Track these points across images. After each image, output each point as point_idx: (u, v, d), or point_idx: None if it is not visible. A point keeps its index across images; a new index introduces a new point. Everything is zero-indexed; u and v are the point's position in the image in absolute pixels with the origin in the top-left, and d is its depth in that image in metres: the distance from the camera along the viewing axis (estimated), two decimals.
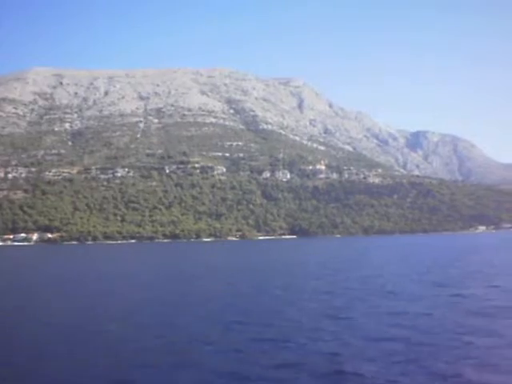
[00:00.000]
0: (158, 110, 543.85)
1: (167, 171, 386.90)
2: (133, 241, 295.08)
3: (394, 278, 62.39)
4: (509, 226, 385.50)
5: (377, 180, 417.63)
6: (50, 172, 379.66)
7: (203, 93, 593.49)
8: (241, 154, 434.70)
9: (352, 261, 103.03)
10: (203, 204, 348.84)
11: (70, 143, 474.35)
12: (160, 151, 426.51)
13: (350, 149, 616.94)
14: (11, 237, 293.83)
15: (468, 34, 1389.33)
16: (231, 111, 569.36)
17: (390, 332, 31.22)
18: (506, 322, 33.12)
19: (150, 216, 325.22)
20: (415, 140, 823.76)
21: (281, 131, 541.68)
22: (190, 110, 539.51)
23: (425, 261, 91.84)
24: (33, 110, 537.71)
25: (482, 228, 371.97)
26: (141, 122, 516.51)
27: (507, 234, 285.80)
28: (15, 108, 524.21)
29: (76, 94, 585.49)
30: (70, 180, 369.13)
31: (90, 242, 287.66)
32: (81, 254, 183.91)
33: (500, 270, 67.23)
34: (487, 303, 40.74)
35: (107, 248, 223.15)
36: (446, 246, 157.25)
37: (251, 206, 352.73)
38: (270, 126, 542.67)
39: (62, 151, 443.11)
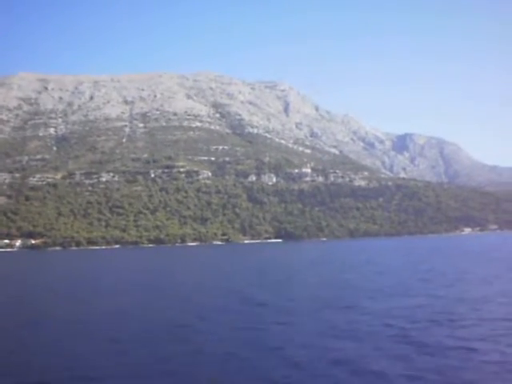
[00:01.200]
0: (144, 115, 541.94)
1: (152, 176, 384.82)
2: (117, 246, 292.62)
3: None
4: (494, 227, 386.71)
5: (363, 183, 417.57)
6: (34, 177, 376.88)
7: (189, 97, 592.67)
8: (227, 158, 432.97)
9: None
10: (188, 208, 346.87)
11: (54, 148, 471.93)
12: (145, 156, 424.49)
13: (337, 152, 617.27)
14: None
15: (454, 37, 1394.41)
16: (217, 115, 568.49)
17: None
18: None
19: (135, 221, 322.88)
20: (402, 143, 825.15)
21: (267, 135, 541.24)
22: (175, 114, 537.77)
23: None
24: (17, 115, 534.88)
25: (467, 230, 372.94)
26: (126, 126, 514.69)
27: (491, 237, 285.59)
28: None
29: (61, 98, 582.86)
30: (54, 185, 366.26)
31: (73, 248, 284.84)
32: (59, 260, 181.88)
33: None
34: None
35: (89, 254, 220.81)
36: (411, 250, 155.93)
37: (237, 210, 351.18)
38: (256, 130, 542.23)
39: (47, 156, 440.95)
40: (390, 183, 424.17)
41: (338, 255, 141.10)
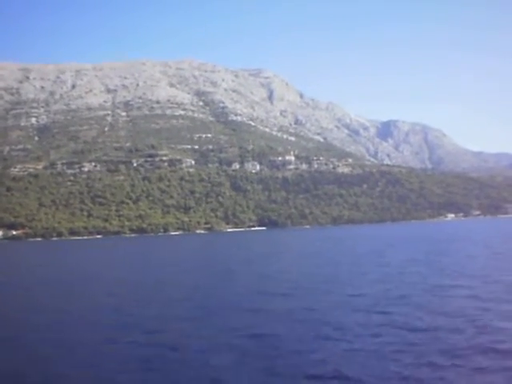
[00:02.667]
0: (126, 103, 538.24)
1: (135, 165, 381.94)
2: (99, 236, 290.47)
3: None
4: (478, 213, 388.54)
5: (346, 170, 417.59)
6: (15, 168, 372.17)
7: (172, 85, 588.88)
8: (210, 146, 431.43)
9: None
10: (171, 197, 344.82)
11: (36, 138, 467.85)
12: (128, 144, 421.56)
13: (321, 139, 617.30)
14: None
15: (438, 21, 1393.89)
16: (200, 103, 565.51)
17: None
18: None
19: (117, 211, 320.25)
20: (386, 129, 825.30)
21: (250, 122, 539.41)
22: (158, 102, 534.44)
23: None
24: None
25: (451, 216, 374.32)
26: (108, 115, 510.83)
27: (473, 223, 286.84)
28: None
29: (43, 88, 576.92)
30: (36, 175, 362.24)
31: (55, 238, 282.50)
32: (38, 251, 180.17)
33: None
34: None
35: (69, 244, 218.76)
36: (379, 238, 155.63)
37: (220, 199, 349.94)
38: (239, 118, 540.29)
39: (29, 146, 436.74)
40: (373, 170, 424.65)
41: (297, 244, 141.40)
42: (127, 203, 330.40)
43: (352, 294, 40.33)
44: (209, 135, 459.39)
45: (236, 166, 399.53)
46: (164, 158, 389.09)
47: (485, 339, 24.95)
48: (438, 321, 29.60)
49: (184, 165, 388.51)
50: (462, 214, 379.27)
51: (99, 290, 52.22)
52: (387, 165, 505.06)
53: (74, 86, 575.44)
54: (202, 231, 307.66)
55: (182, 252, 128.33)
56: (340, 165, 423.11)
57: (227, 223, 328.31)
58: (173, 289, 50.70)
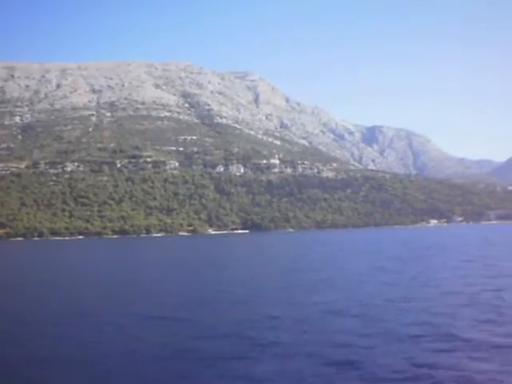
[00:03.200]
0: (111, 104, 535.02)
1: (118, 165, 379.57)
2: (80, 237, 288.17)
3: None
4: (460, 219, 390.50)
5: (331, 174, 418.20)
6: None
7: (157, 86, 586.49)
8: (195, 149, 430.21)
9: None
10: (154, 199, 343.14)
11: (19, 137, 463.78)
12: (112, 145, 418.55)
13: (306, 143, 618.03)
14: None
15: (426, 26, 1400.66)
16: (186, 105, 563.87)
17: None
18: None
19: (99, 211, 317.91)
20: (371, 135, 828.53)
21: (236, 125, 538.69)
22: (143, 103, 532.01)
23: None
24: None
25: (433, 222, 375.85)
26: (93, 115, 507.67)
27: (455, 229, 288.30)
28: None
29: (27, 86, 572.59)
30: (18, 175, 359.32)
31: (36, 238, 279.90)
32: (15, 251, 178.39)
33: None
34: None
35: (48, 245, 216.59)
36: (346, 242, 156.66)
37: (203, 201, 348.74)
38: (225, 120, 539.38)
39: (12, 145, 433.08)
40: (358, 175, 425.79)
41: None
42: (110, 204, 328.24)
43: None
44: (194, 137, 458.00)
45: (220, 168, 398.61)
46: (148, 160, 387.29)
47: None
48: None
49: (168, 166, 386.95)
50: (444, 220, 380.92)
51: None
52: (371, 170, 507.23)
53: (58, 86, 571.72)
54: (185, 233, 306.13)
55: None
56: (324, 169, 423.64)
57: (210, 226, 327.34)
58: None
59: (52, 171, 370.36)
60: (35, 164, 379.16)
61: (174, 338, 29.14)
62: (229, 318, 34.30)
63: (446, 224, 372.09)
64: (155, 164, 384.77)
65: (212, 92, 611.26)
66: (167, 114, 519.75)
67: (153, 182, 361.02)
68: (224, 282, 54.70)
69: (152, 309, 39.27)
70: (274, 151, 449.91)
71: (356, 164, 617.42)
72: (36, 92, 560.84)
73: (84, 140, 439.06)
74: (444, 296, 40.67)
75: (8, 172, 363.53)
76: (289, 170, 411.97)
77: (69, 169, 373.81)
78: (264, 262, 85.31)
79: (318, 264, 74.88)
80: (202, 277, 62.01)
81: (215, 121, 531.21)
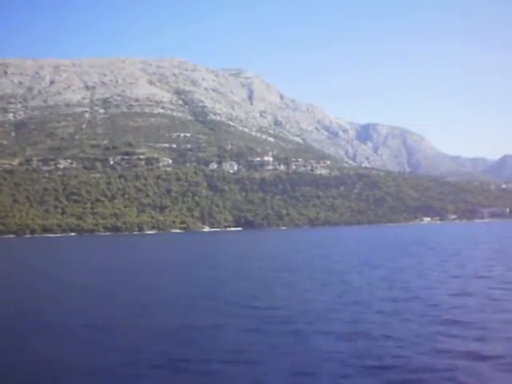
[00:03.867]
0: (105, 100, 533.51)
1: (111, 162, 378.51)
2: (72, 234, 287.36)
3: None
4: (454, 217, 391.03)
5: (324, 172, 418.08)
6: None
7: (151, 83, 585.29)
8: (188, 146, 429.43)
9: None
10: (147, 196, 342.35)
11: (13, 134, 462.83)
12: (105, 142, 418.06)
13: (300, 141, 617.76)
14: None
15: (420, 24, 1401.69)
16: (180, 102, 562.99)
17: None
18: None
19: (92, 208, 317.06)
20: (365, 132, 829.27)
21: (230, 122, 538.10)
22: (137, 100, 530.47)
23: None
24: None
25: (426, 219, 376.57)
26: (86, 112, 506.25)
27: (447, 227, 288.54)
28: None
29: (21, 83, 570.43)
30: (11, 172, 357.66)
31: (28, 236, 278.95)
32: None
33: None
34: None
35: (37, 242, 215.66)
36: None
37: (196, 198, 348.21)
38: (218, 117, 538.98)
39: (4, 142, 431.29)
40: (351, 172, 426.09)
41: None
42: (102, 201, 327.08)
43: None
44: (187, 134, 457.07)
45: (214, 165, 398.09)
46: (141, 157, 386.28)
47: None
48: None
49: (161, 163, 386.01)
50: (437, 218, 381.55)
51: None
52: (365, 167, 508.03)
53: (52, 82, 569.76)
54: (178, 231, 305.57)
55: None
56: (318, 166, 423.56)
57: (203, 223, 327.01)
58: None
59: (45, 168, 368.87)
60: (28, 161, 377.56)
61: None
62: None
63: (439, 222, 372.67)
64: (148, 161, 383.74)
65: (206, 89, 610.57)
66: (161, 110, 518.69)
67: (146, 179, 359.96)
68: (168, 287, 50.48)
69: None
70: (268, 148, 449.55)
71: (350, 162, 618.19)
72: (29, 88, 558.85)
73: (77, 137, 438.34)
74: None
75: (0, 169, 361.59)
76: (282, 168, 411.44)
77: (61, 166, 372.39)
78: (234, 261, 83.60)
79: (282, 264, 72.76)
80: (144, 281, 55.82)
81: (209, 118, 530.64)
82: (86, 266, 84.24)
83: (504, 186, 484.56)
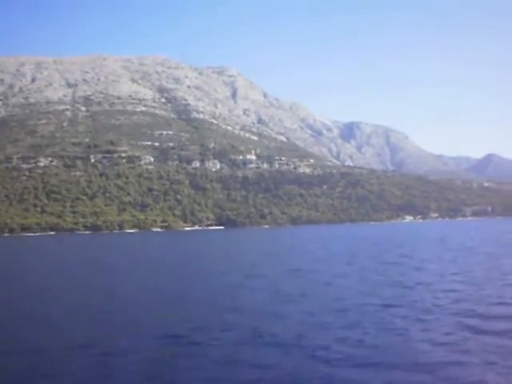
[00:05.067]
0: (87, 98, 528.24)
1: (92, 160, 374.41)
2: (52, 233, 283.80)
3: None
4: (436, 215, 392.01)
5: (307, 170, 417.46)
6: None
7: (134, 81, 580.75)
8: (171, 144, 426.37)
9: None
10: (128, 194, 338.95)
11: None
12: (86, 140, 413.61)
13: (284, 139, 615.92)
14: None
15: (404, 21, 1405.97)
16: (162, 100, 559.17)
17: None
18: None
19: (72, 207, 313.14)
20: (349, 131, 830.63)
21: (213, 120, 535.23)
22: (119, 98, 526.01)
23: None
24: None
25: (409, 218, 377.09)
26: (68, 110, 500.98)
27: (427, 225, 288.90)
28: None
29: (2, 80, 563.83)
30: None
31: (6, 235, 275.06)
32: None
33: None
34: None
35: (15, 241, 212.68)
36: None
37: (178, 197, 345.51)
38: (202, 115, 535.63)
39: None
40: (334, 171, 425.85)
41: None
42: (82, 199, 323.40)
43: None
44: (170, 132, 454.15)
45: (196, 164, 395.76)
46: (123, 155, 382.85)
47: None
48: None
49: (143, 162, 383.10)
50: (420, 217, 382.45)
51: None
52: (348, 166, 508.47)
53: (33, 80, 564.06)
54: (159, 229, 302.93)
55: None
56: (301, 165, 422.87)
57: (185, 222, 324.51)
58: None
59: (25, 166, 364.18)
60: (8, 159, 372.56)
61: None
62: None
63: (421, 220, 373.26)
64: (130, 159, 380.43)
65: (189, 87, 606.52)
66: (143, 108, 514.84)
67: (127, 178, 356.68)
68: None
69: None
70: (251, 147, 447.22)
71: (333, 160, 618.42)
72: (10, 86, 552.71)
73: (58, 135, 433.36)
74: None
75: None
76: (265, 166, 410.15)
77: (42, 164, 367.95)
78: (187, 263, 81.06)
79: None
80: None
81: (192, 116, 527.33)
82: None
83: (486, 184, 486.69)
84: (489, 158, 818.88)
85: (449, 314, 30.65)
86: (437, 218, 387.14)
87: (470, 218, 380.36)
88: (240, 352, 23.87)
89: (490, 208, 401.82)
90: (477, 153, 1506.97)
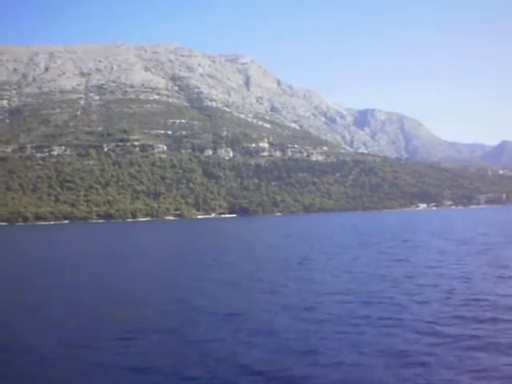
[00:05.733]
0: (100, 87, 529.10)
1: (105, 149, 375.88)
2: (66, 221, 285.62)
3: None
4: (450, 203, 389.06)
5: (320, 158, 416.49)
6: None
7: (147, 69, 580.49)
8: (183, 132, 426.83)
9: None
10: (141, 183, 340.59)
11: (7, 121, 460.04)
12: (100, 129, 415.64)
13: (297, 127, 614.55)
14: None
15: (416, 10, 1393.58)
16: (175, 88, 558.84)
17: None
18: None
19: (85, 195, 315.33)
20: (363, 118, 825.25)
21: (226, 108, 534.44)
22: (132, 86, 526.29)
23: None
24: None
25: (422, 206, 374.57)
26: (81, 98, 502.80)
27: (440, 213, 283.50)
28: None
29: (15, 70, 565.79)
30: (4, 159, 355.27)
31: (20, 223, 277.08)
32: None
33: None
34: None
35: (28, 230, 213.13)
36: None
37: (191, 185, 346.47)
38: (214, 104, 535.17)
39: None
40: (347, 158, 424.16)
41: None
42: (96, 188, 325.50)
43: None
44: (183, 121, 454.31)
45: (209, 152, 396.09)
46: (136, 143, 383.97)
47: None
48: None
49: (156, 150, 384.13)
50: (433, 204, 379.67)
51: None
52: (361, 153, 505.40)
53: (47, 69, 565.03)
54: (172, 218, 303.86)
55: None
56: (314, 153, 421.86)
57: (197, 210, 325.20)
58: None
59: (38, 155, 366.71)
60: (22, 148, 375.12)
61: None
62: None
63: (434, 208, 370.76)
64: (143, 148, 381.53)
65: (202, 75, 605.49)
66: (156, 97, 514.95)
67: (140, 166, 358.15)
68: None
69: None
70: (264, 135, 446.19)
71: (347, 148, 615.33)
72: (24, 75, 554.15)
73: (72, 124, 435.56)
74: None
75: None
76: (278, 154, 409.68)
77: (55, 153, 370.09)
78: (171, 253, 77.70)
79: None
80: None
81: (205, 104, 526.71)
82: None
83: (501, 171, 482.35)
84: (503, 146, 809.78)
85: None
86: (450, 205, 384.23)
87: (483, 206, 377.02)
88: None
89: (504, 196, 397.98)
90: (492, 140, 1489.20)
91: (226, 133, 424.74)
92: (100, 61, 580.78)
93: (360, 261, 50.13)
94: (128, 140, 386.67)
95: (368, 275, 39.83)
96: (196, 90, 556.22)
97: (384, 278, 38.06)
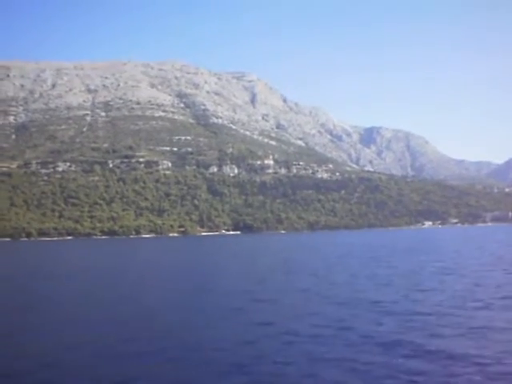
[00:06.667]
0: (106, 103, 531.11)
1: (110, 165, 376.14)
2: (69, 237, 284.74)
3: None
4: (455, 221, 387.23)
5: (325, 175, 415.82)
6: None
7: (153, 86, 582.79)
8: (189, 149, 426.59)
9: None
10: (146, 199, 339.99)
11: (13, 137, 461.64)
12: (105, 145, 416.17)
13: (302, 144, 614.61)
14: None
15: (422, 27, 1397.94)
16: (181, 105, 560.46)
17: None
18: None
19: (89, 212, 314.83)
20: (369, 136, 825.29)
21: (231, 126, 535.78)
22: (138, 103, 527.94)
23: None
24: None
25: (428, 223, 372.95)
26: (88, 115, 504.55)
27: (444, 231, 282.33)
28: None
29: (22, 86, 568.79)
30: (9, 174, 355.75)
31: (24, 239, 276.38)
32: None
33: None
34: None
35: (30, 246, 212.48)
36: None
37: (195, 202, 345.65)
38: (220, 121, 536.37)
39: (4, 145, 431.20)
40: (353, 176, 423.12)
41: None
42: (100, 204, 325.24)
43: None
44: (188, 137, 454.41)
45: (214, 169, 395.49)
46: (141, 160, 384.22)
47: None
48: None
49: (161, 167, 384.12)
50: (439, 222, 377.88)
51: None
52: (367, 171, 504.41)
53: (54, 85, 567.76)
54: (176, 234, 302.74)
55: None
56: (319, 170, 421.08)
57: (202, 227, 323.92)
58: None
59: (43, 171, 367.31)
60: (27, 164, 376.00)
61: None
62: None
63: (440, 226, 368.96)
64: (148, 164, 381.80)
65: (208, 92, 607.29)
66: (162, 113, 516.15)
67: (144, 183, 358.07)
68: None
69: None
70: (269, 152, 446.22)
71: (353, 165, 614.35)
72: (31, 91, 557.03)
73: (78, 140, 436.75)
74: None
75: None
76: (283, 171, 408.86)
77: (60, 169, 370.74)
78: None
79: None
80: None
81: (211, 121, 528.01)
82: None
83: (507, 189, 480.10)
84: (510, 163, 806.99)
85: None
86: (456, 223, 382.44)
87: (489, 224, 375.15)
88: None
89: (510, 214, 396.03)
90: (498, 158, 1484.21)
91: (231, 150, 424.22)
92: (107, 77, 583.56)
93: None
94: (133, 156, 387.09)
95: None
96: (202, 107, 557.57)
97: None
